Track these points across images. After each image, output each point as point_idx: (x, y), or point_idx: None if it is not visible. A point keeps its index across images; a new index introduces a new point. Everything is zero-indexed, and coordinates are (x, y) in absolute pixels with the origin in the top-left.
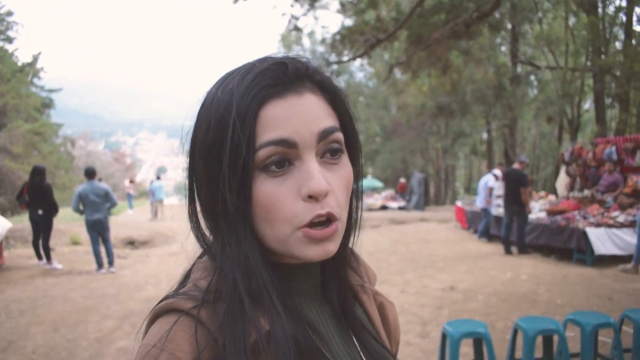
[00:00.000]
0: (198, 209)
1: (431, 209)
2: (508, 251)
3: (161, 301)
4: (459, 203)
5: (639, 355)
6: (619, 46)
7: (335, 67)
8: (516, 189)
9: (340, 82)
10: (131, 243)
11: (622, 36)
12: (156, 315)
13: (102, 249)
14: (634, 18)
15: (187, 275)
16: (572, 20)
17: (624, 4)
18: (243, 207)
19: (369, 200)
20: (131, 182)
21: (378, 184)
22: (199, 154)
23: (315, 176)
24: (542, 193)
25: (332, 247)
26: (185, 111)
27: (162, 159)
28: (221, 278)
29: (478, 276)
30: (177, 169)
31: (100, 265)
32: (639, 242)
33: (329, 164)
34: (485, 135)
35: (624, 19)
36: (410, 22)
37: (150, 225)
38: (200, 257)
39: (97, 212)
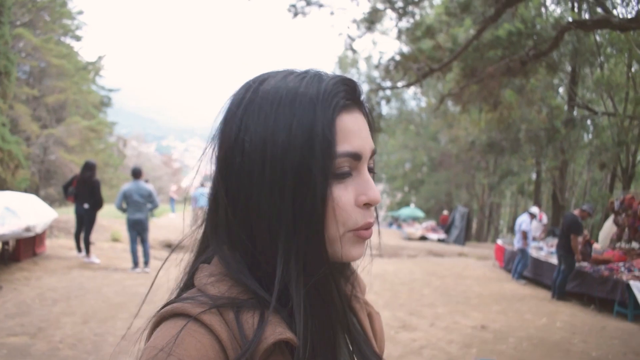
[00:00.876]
0: (230, 212)
1: (471, 245)
2: (558, 297)
3: (166, 304)
4: (499, 241)
5: None
6: None
7: (388, 92)
8: (567, 234)
9: (392, 108)
10: (169, 246)
11: None
12: (162, 318)
13: (140, 249)
14: None
15: (188, 279)
16: (635, 67)
17: None
18: (309, 212)
19: (409, 229)
20: (176, 187)
21: (420, 213)
22: (264, 158)
23: (374, 187)
24: (580, 239)
25: (365, 249)
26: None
27: (210, 168)
28: (229, 285)
29: (511, 318)
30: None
31: (136, 264)
32: None
33: None
34: (534, 176)
35: None
36: (465, 55)
37: (189, 231)
38: (204, 261)
39: (138, 212)
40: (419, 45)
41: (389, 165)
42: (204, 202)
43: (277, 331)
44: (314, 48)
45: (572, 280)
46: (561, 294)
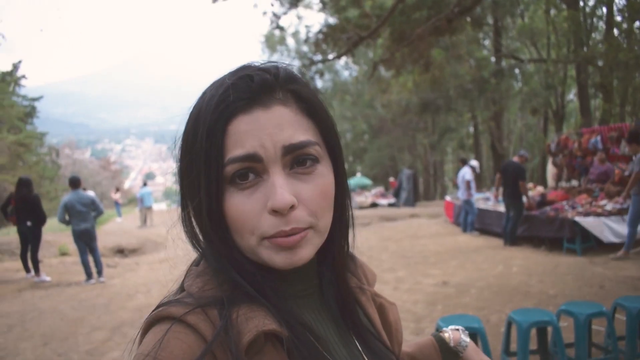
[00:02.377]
0: (192, 213)
1: (421, 205)
2: (509, 243)
3: (154, 310)
4: (448, 198)
5: (632, 343)
6: (599, 37)
7: (320, 66)
8: (514, 181)
9: (326, 81)
10: (120, 251)
11: (603, 27)
12: (149, 324)
13: (91, 259)
14: (614, 8)
15: (182, 283)
16: (553, 13)
17: None
18: (218, 219)
19: (359, 198)
20: (117, 191)
21: (367, 181)
22: (181, 164)
23: (279, 190)
24: (530, 184)
25: (302, 254)
26: (171, 116)
27: (150, 165)
28: (213, 284)
29: (470, 270)
30: (166, 175)
31: (89, 275)
32: (630, 229)
33: (301, 174)
34: (471, 130)
35: (604, 10)
36: (392, 19)
37: (139, 233)
38: (194, 264)
39: (83, 222)
40: (345, 15)
41: None
42: (149, 201)
43: (261, 323)
44: (240, 30)
45: (521, 225)
46: (513, 239)
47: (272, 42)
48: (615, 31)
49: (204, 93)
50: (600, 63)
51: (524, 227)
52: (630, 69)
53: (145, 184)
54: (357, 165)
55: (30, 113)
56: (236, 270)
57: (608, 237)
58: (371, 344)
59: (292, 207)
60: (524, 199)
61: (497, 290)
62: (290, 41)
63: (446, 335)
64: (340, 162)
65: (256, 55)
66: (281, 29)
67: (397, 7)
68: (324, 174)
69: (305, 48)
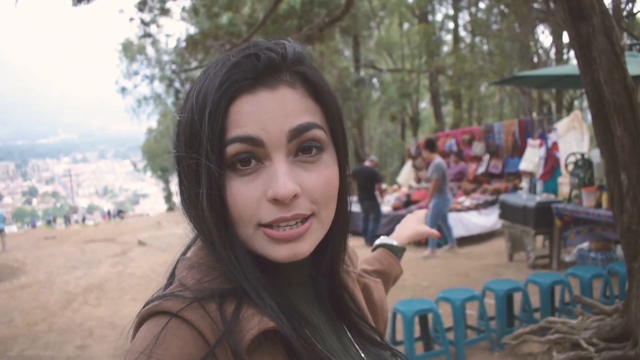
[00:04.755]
0: (188, 200)
1: None
2: (370, 243)
3: (147, 303)
4: None
5: (502, 321)
6: (448, 49)
7: (183, 75)
8: (370, 185)
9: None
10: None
11: (450, 41)
12: (143, 318)
13: None
14: (459, 25)
15: (171, 275)
16: (406, 26)
17: (450, 12)
18: (219, 206)
19: None
20: None
21: None
22: (181, 149)
23: (281, 179)
24: (395, 186)
25: (303, 247)
26: (18, 131)
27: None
28: (211, 275)
29: None
30: (15, 194)
31: None
32: (444, 227)
33: (305, 162)
34: None
35: (452, 25)
36: (264, 28)
37: None
38: (182, 254)
39: None
40: (216, 22)
41: None
42: (0, 224)
43: (263, 320)
44: (98, 40)
45: (389, 224)
46: (374, 238)
47: (131, 50)
48: (461, 45)
49: (206, 71)
50: (449, 73)
51: (391, 226)
52: (475, 78)
53: None
54: None
55: None
56: (233, 261)
57: (460, 231)
58: (361, 332)
59: (295, 197)
60: (379, 199)
61: None
62: (150, 50)
63: (388, 241)
64: (344, 152)
65: (114, 65)
66: (149, 36)
67: (270, 16)
68: (329, 163)
69: (166, 57)
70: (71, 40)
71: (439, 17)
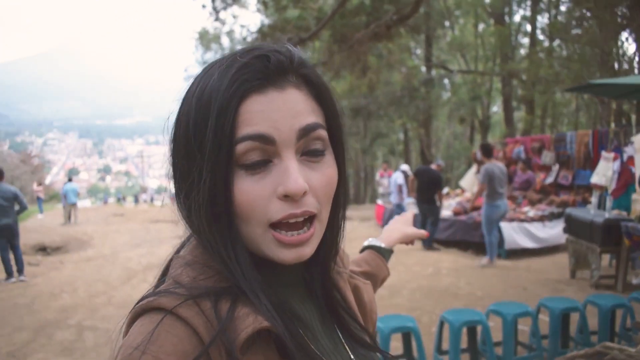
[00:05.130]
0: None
1: (352, 208)
2: (427, 247)
3: (141, 300)
4: (379, 201)
5: (555, 341)
6: (524, 53)
7: None
8: (432, 189)
9: None
10: (43, 249)
11: (527, 44)
12: (137, 314)
13: (12, 256)
14: (537, 27)
15: (164, 273)
16: (481, 27)
17: (528, 14)
18: (223, 204)
19: None
20: (39, 184)
21: None
22: (181, 147)
23: (293, 175)
24: (458, 190)
25: (307, 251)
26: (97, 110)
27: (74, 160)
28: (207, 274)
29: (401, 272)
30: (91, 170)
31: (10, 273)
32: (489, 238)
33: (311, 162)
34: (402, 136)
35: (529, 28)
36: (332, 22)
37: (63, 230)
38: (176, 253)
39: (5, 217)
40: (285, 16)
41: None
42: (73, 198)
43: (257, 320)
44: (174, 27)
45: (448, 229)
46: (431, 243)
47: (206, 39)
48: (538, 48)
49: (208, 71)
50: (523, 77)
51: (451, 231)
52: (550, 85)
53: (70, 180)
54: None
55: None
56: (232, 260)
57: (526, 242)
58: (352, 332)
59: (304, 194)
60: (438, 202)
61: (427, 292)
62: (225, 40)
63: (376, 242)
64: (342, 154)
65: (189, 53)
66: (221, 22)
67: (338, 11)
68: (330, 163)
69: (240, 47)
70: (149, 26)
71: (516, 18)
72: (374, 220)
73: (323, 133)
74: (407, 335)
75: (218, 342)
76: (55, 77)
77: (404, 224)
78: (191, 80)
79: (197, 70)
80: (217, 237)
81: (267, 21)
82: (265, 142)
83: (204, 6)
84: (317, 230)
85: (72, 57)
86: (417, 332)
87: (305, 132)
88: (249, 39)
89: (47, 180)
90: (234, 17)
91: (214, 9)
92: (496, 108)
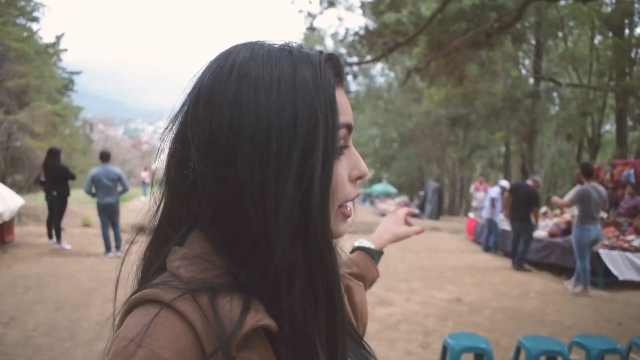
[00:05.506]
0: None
1: (444, 219)
2: (517, 266)
3: (137, 291)
4: (471, 215)
5: None
6: None
7: (355, 68)
8: (527, 206)
9: (360, 85)
10: (142, 230)
11: None
12: (132, 305)
13: (112, 233)
14: None
15: (161, 266)
16: (597, 39)
17: None
18: (326, 187)
19: (382, 206)
20: (145, 169)
21: (392, 189)
22: (269, 135)
23: (362, 160)
24: (557, 211)
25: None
26: None
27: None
28: (206, 268)
29: (486, 290)
30: None
31: (108, 248)
32: (582, 264)
33: None
34: (503, 149)
35: None
36: (430, 28)
37: None
38: (175, 243)
39: (108, 196)
40: (382, 20)
41: (359, 142)
42: None
43: (255, 317)
44: (276, 24)
45: (542, 250)
46: (521, 264)
47: (311, 39)
48: None
49: (295, 68)
50: None
51: (545, 253)
52: None
53: None
54: (383, 172)
55: (68, 86)
56: (238, 256)
57: (629, 274)
58: (348, 332)
59: None
60: (533, 220)
61: (511, 314)
62: (329, 42)
63: (366, 244)
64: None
65: None
66: (314, 29)
67: (435, 17)
68: None
69: (342, 50)
70: (263, 25)
71: (638, 31)
72: (465, 233)
73: None
74: (480, 356)
75: (214, 337)
76: (171, 69)
77: (395, 224)
78: (224, 66)
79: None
80: (288, 235)
81: (369, 24)
82: (349, 130)
83: (300, 11)
84: None
85: (186, 52)
86: (490, 354)
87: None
88: (347, 42)
89: (154, 166)
90: (339, 19)
91: (310, 14)
92: (608, 126)
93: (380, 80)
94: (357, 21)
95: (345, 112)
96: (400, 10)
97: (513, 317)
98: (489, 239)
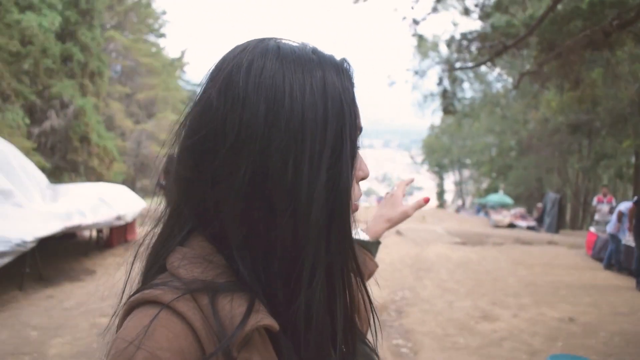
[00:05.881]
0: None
1: (564, 233)
2: None
3: (137, 291)
4: (592, 229)
5: None
6: None
7: (461, 73)
8: None
9: (477, 92)
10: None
11: None
12: (132, 306)
13: None
14: None
15: (161, 266)
16: None
17: None
18: (349, 185)
19: (497, 217)
20: None
21: (508, 200)
22: (304, 131)
23: (364, 162)
24: None
25: None
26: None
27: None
28: (206, 268)
29: (603, 311)
30: None
31: None
32: None
33: None
34: (633, 159)
35: None
36: (542, 28)
37: None
38: (178, 243)
39: None
40: (492, 22)
41: (474, 151)
42: None
43: (256, 317)
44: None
45: None
46: None
47: (425, 47)
48: None
49: (306, 65)
50: None
51: None
52: None
53: None
54: (500, 182)
55: (191, 98)
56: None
57: None
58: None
59: None
60: None
61: (631, 339)
62: (444, 48)
63: (361, 236)
64: None
65: (407, 59)
66: (420, 36)
67: (547, 16)
68: None
69: (456, 55)
70: (369, 33)
71: None
72: (584, 249)
73: None
74: None
75: (214, 338)
76: None
77: (390, 206)
78: (249, 61)
79: (409, 77)
80: (323, 231)
81: (481, 27)
82: (360, 132)
83: (404, 18)
84: None
85: None
86: None
87: None
88: (454, 47)
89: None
90: (454, 24)
91: (414, 20)
92: None
93: (498, 87)
94: (474, 25)
95: (359, 115)
96: (507, 11)
97: (632, 342)
98: (611, 255)
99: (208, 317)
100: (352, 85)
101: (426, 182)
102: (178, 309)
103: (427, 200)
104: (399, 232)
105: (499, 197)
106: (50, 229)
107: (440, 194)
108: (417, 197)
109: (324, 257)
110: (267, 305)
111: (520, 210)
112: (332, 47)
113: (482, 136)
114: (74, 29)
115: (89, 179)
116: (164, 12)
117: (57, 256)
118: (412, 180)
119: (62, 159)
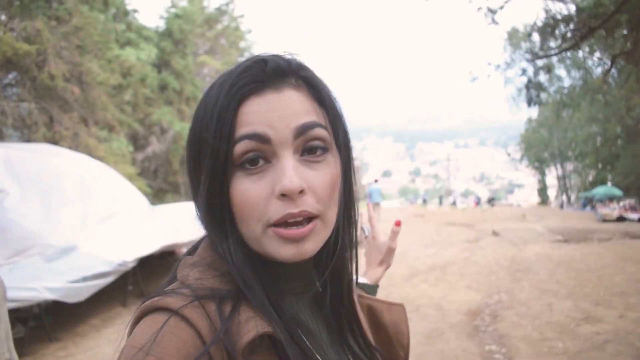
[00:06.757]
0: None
1: None
2: None
3: (147, 299)
4: None
5: None
6: None
7: (546, 60)
8: None
9: (576, 80)
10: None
11: None
12: (143, 313)
13: None
14: None
15: (173, 272)
16: None
17: None
18: (221, 206)
19: (604, 210)
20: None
21: (617, 192)
22: (190, 151)
23: (288, 173)
24: None
25: (308, 247)
26: (409, 116)
27: (388, 163)
28: (210, 275)
29: None
30: (402, 172)
31: None
32: None
33: (311, 162)
34: None
35: None
36: (631, 3)
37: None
38: (188, 253)
39: None
40: (576, 3)
41: (576, 142)
42: (378, 198)
43: (260, 324)
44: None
45: None
46: None
47: (517, 38)
48: None
49: (221, 76)
50: None
51: None
52: None
53: (375, 181)
54: (607, 173)
55: None
56: (230, 261)
57: None
58: (360, 347)
59: (302, 192)
60: None
61: None
62: (536, 36)
63: (361, 280)
64: (347, 156)
65: (498, 52)
66: (496, 23)
67: None
68: (332, 163)
69: (552, 44)
70: (458, 34)
71: None
72: None
73: (323, 132)
74: None
75: (220, 344)
76: (369, 86)
77: (376, 251)
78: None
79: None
80: (218, 239)
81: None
82: (261, 141)
83: (479, 9)
84: (319, 229)
85: (386, 69)
86: None
87: (302, 130)
88: (532, 33)
89: (364, 181)
90: (547, 11)
91: (490, 9)
92: None
93: (598, 72)
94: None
95: (254, 122)
96: None
97: None
98: None
99: (215, 324)
100: (236, 94)
101: (527, 179)
102: (186, 316)
103: (398, 224)
104: (495, 233)
105: (607, 189)
106: (149, 248)
107: (542, 190)
108: (518, 195)
109: (245, 276)
110: (269, 313)
111: (631, 201)
112: (407, 47)
113: (584, 126)
114: (169, 59)
115: (189, 199)
116: (249, 31)
117: (157, 273)
118: (371, 217)
119: (164, 181)
